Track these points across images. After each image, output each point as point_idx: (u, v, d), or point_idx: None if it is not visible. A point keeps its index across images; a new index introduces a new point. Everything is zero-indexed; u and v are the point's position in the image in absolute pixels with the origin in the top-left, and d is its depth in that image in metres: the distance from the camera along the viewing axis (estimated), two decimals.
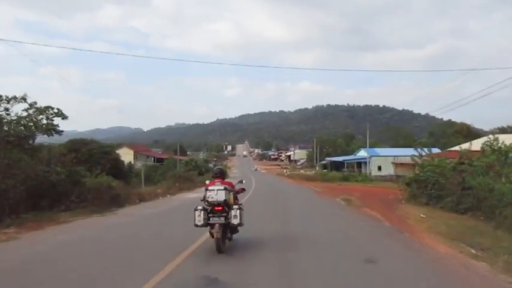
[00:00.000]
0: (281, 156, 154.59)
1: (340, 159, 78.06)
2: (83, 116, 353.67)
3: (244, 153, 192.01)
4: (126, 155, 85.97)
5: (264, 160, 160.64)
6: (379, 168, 75.12)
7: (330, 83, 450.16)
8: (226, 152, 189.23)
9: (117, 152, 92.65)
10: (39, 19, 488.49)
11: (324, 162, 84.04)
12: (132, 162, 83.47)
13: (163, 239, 9.55)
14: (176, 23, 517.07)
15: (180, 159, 65.84)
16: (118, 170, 41.46)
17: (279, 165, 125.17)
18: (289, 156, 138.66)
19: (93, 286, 5.77)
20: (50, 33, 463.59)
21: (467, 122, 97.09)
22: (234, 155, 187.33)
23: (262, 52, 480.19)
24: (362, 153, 78.12)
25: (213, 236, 7.52)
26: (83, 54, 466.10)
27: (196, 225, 7.54)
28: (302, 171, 77.25)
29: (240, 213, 7.56)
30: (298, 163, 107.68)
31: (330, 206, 19.03)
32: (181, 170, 57.15)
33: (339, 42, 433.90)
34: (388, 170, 74.87)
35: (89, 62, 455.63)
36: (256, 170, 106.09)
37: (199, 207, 7.55)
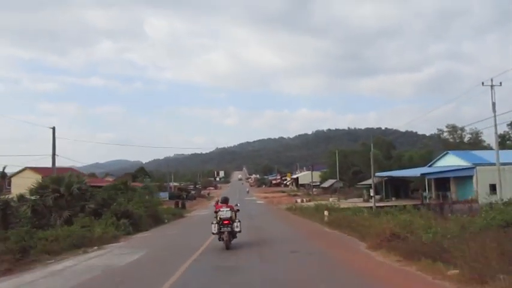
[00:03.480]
0: (285, 180, 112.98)
1: (407, 174, 37.66)
2: (82, 151, 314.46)
3: (240, 176, 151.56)
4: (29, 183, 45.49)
5: (264, 186, 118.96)
6: (492, 187, 34.03)
7: (329, 107, 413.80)
8: (218, 178, 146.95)
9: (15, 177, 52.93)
10: (37, 56, 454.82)
11: (369, 181, 43.42)
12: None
13: None
14: (172, 55, 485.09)
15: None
16: None
17: (283, 191, 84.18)
18: (296, 180, 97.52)
19: None
20: (48, 70, 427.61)
21: None
22: (228, 182, 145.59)
23: (259, 80, 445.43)
24: (451, 159, 37.60)
25: (223, 240, 11.27)
26: (81, 89, 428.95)
27: (213, 233, 11.46)
28: (335, 201, 36.40)
29: (240, 225, 11.62)
30: (329, 187, 64.46)
31: None
32: None
33: (336, 67, 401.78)
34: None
35: (86, 96, 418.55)
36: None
37: (214, 222, 11.41)
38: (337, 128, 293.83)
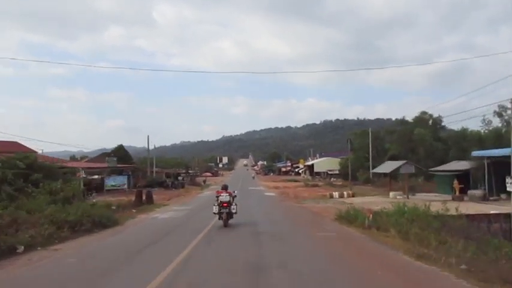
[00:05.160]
0: (297, 168, 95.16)
1: None
2: (89, 136, 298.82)
3: (245, 162, 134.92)
4: None
5: (272, 174, 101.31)
6: None
7: (337, 98, 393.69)
8: (221, 165, 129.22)
9: None
10: (45, 41, 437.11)
11: (453, 166, 25.65)
12: None
13: None
14: (181, 42, 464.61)
15: None
16: None
17: (295, 180, 66.84)
18: (310, 167, 79.88)
19: None
20: (56, 55, 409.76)
21: None
22: (231, 169, 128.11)
23: (267, 69, 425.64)
24: None
25: (222, 219, 13.73)
26: (89, 74, 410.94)
27: (214, 213, 13.94)
28: (399, 198, 18.86)
29: (236, 208, 14.01)
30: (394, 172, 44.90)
31: None
32: None
33: (345, 57, 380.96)
34: None
35: (95, 82, 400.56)
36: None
37: (216, 203, 13.82)
38: (345, 118, 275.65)
